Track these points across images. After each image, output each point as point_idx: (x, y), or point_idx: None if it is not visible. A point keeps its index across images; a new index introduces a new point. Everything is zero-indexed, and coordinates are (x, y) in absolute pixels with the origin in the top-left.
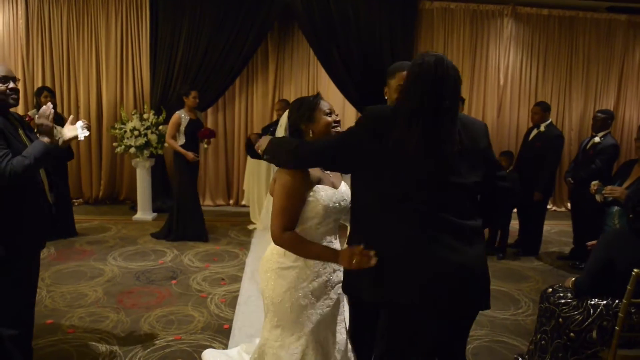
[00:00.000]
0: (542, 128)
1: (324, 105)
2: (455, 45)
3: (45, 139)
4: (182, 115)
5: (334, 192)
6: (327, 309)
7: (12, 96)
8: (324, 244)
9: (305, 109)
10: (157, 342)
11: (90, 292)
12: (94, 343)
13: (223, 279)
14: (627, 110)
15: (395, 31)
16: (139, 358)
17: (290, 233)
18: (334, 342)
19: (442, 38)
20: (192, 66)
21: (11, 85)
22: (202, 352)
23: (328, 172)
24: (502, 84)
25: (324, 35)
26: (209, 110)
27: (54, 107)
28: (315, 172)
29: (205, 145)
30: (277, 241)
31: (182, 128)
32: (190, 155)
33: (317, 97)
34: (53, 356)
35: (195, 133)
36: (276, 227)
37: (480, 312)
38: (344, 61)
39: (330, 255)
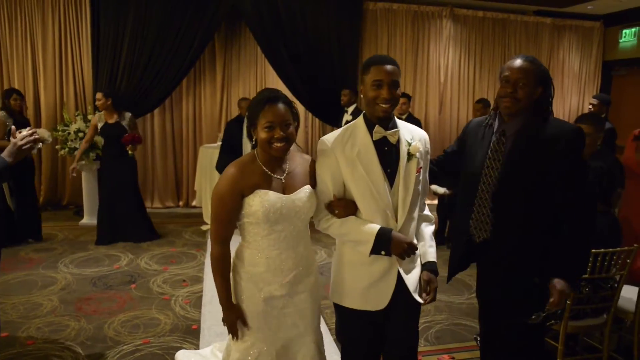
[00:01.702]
0: None
1: (268, 116)
2: (398, 44)
3: (10, 159)
4: (98, 118)
5: (278, 197)
6: (284, 318)
7: None
8: (275, 253)
9: (251, 113)
10: (124, 347)
11: (44, 302)
12: (57, 353)
13: (184, 280)
14: (553, 103)
15: (342, 30)
16: None
17: (222, 249)
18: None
19: (386, 37)
20: (138, 65)
21: None
22: (174, 354)
23: (281, 177)
24: (442, 81)
25: (272, 33)
26: (156, 111)
27: (22, 110)
28: (254, 176)
29: (130, 152)
30: (212, 250)
31: (97, 130)
32: (72, 167)
33: (266, 101)
34: None
35: (114, 137)
36: (212, 234)
37: (438, 298)
38: (291, 58)
39: (226, 300)
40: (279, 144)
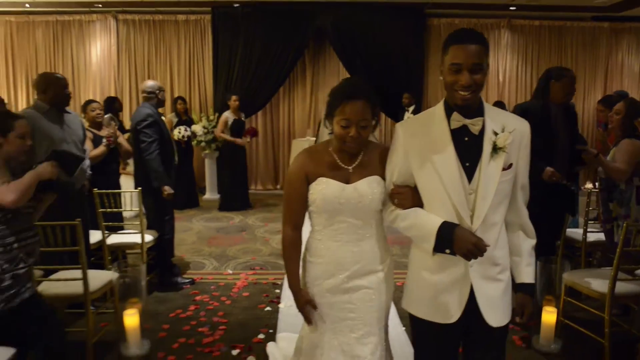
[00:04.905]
0: None
1: (346, 113)
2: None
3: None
4: (228, 116)
5: (339, 186)
6: (348, 312)
7: None
8: (336, 246)
9: (329, 105)
10: (240, 260)
11: (188, 237)
12: (199, 261)
13: (279, 231)
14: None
15: (408, 45)
16: (232, 267)
17: (291, 232)
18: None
19: None
20: (246, 78)
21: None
22: (272, 265)
23: (349, 167)
24: (501, 83)
25: (349, 48)
26: (260, 112)
27: (186, 112)
28: (321, 164)
29: (248, 140)
30: (282, 233)
31: (229, 126)
32: (239, 140)
33: (346, 97)
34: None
35: (239, 131)
36: (283, 218)
37: None
38: (366, 69)
39: (294, 284)
40: (352, 143)
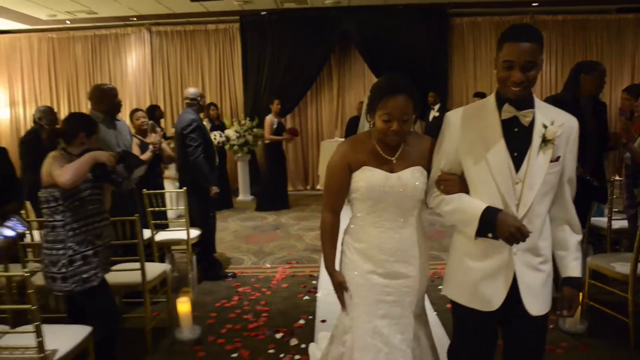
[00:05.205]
0: None
1: (388, 108)
2: (483, 52)
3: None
4: (272, 119)
5: (383, 175)
6: (386, 296)
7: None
8: (377, 232)
9: (371, 100)
10: (277, 255)
11: (225, 236)
12: (238, 256)
13: (312, 228)
14: None
15: (431, 45)
16: (270, 261)
17: (330, 217)
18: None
19: (472, 47)
20: (275, 83)
21: None
22: (307, 259)
23: (392, 157)
24: None
25: (374, 50)
26: (288, 116)
27: (218, 117)
28: (363, 153)
29: (289, 137)
30: (321, 217)
31: (274, 128)
32: (286, 138)
33: (388, 92)
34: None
35: (280, 132)
36: (323, 203)
37: None
38: (390, 69)
39: (330, 265)
40: (394, 137)
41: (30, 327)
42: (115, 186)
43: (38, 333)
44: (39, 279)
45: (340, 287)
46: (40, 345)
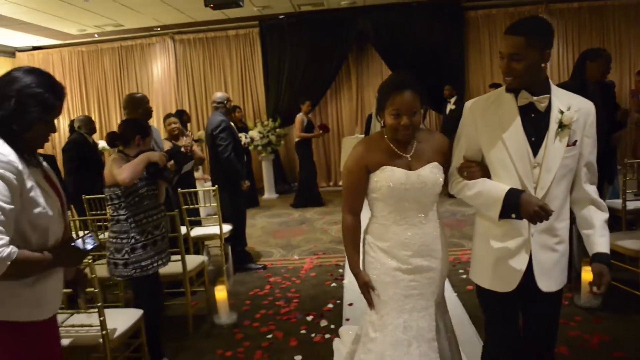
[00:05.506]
0: None
1: (396, 104)
2: (499, 45)
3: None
4: (303, 117)
5: (403, 173)
6: (411, 290)
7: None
8: (401, 229)
9: (379, 100)
10: (304, 248)
11: (253, 232)
12: (267, 250)
13: (335, 222)
14: None
15: (447, 40)
16: (298, 253)
17: (351, 219)
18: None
19: (488, 39)
20: (295, 84)
21: None
22: (333, 250)
23: (407, 155)
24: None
25: (391, 48)
26: (310, 115)
27: (241, 119)
28: (379, 153)
29: (322, 133)
30: (342, 220)
31: (304, 125)
32: (317, 134)
33: (394, 89)
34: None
35: (309, 129)
36: (342, 205)
37: None
38: (408, 67)
39: (354, 266)
40: (405, 132)
41: (93, 309)
42: (167, 182)
43: (100, 312)
44: (100, 271)
45: (366, 286)
46: (103, 324)
